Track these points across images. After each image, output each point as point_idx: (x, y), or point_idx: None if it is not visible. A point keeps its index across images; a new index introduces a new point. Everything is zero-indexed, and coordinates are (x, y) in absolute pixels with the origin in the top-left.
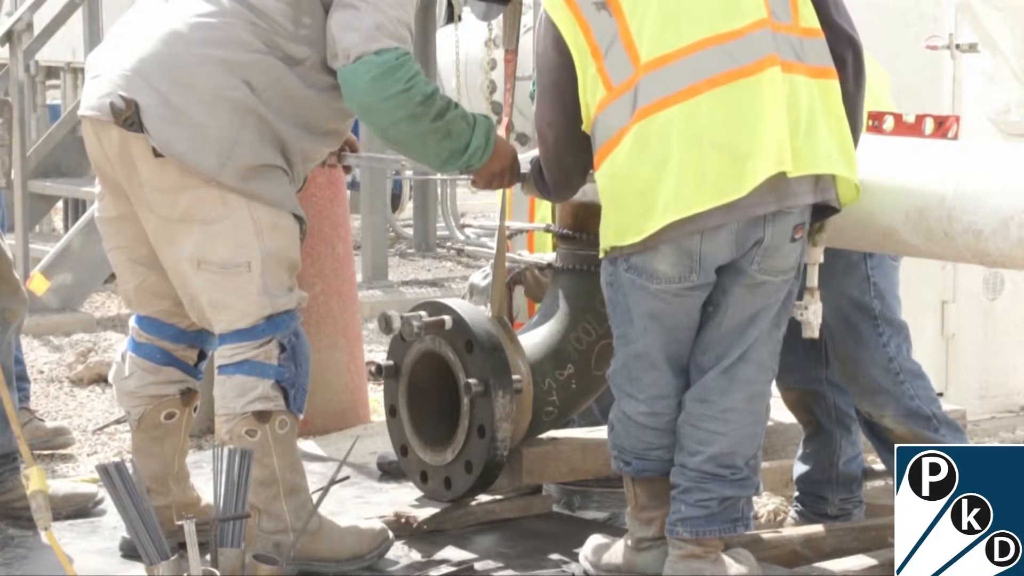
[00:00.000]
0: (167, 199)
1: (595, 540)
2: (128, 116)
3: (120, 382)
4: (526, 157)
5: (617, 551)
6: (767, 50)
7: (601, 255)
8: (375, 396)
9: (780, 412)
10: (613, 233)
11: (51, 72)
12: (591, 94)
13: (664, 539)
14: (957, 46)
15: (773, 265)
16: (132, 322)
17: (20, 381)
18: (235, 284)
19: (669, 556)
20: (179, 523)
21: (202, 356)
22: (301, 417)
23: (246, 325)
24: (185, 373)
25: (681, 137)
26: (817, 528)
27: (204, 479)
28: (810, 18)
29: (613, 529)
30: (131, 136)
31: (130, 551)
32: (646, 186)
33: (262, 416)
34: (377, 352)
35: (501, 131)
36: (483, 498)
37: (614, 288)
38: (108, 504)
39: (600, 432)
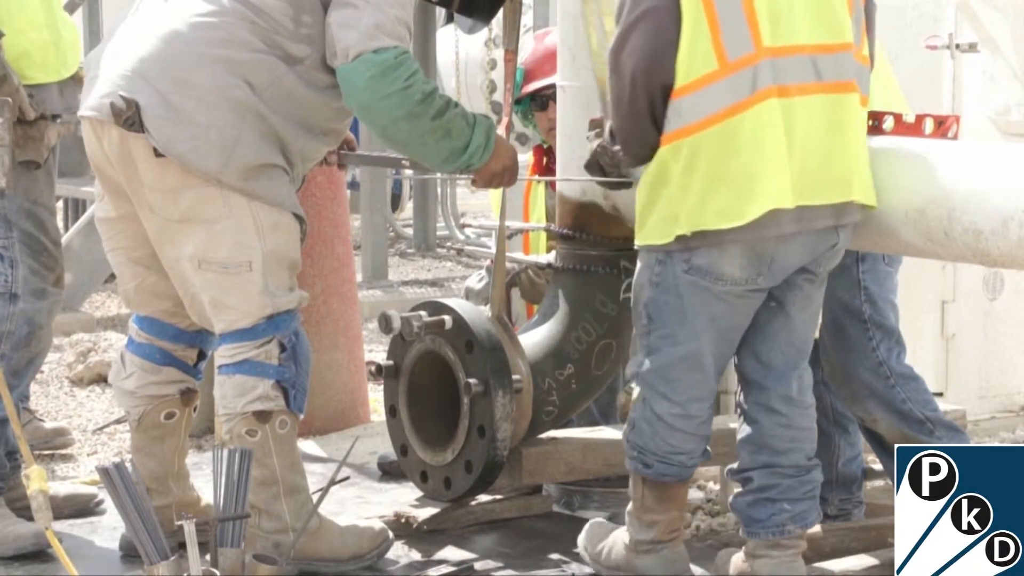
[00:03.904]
0: (168, 199)
1: (594, 525)
2: (128, 116)
3: (120, 382)
4: (522, 160)
5: (618, 548)
6: (851, 75)
7: (649, 245)
8: (375, 396)
9: None
10: (712, 216)
11: None
12: (699, 62)
13: (663, 543)
14: (957, 46)
15: (831, 264)
16: (131, 322)
17: None
18: (236, 284)
19: (776, 559)
20: (179, 523)
21: (202, 356)
22: (301, 417)
23: (247, 325)
24: (185, 373)
25: (795, 129)
26: (817, 528)
27: (204, 479)
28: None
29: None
30: (131, 136)
31: (130, 551)
32: (756, 169)
33: (262, 416)
34: (377, 352)
35: (501, 131)
36: (483, 498)
37: (661, 288)
38: (108, 504)
39: (600, 432)
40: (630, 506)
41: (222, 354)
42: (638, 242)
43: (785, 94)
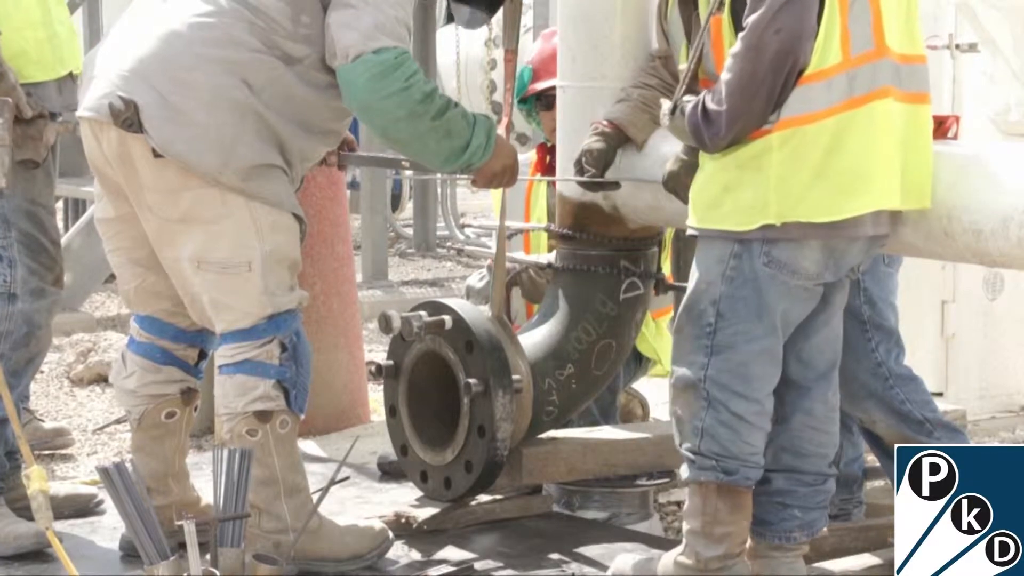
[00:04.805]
0: (167, 200)
1: (628, 560)
2: (127, 117)
3: (120, 381)
4: (525, 158)
5: (669, 568)
6: (926, 86)
7: (724, 231)
8: (375, 396)
9: None
10: (808, 208)
11: None
12: (828, 51)
13: (733, 556)
14: (957, 46)
15: (867, 262)
16: (132, 322)
17: None
18: (236, 284)
19: (777, 560)
20: (179, 523)
21: (202, 355)
22: (302, 417)
23: (247, 325)
24: (185, 372)
25: (901, 133)
26: None
27: (204, 479)
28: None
29: (620, 531)
30: (130, 137)
31: (130, 551)
32: (865, 167)
33: (263, 416)
34: (377, 352)
35: (501, 131)
36: (483, 498)
37: (737, 283)
38: (108, 504)
39: (600, 432)
40: (695, 526)
41: (223, 354)
42: (706, 226)
43: (892, 96)
